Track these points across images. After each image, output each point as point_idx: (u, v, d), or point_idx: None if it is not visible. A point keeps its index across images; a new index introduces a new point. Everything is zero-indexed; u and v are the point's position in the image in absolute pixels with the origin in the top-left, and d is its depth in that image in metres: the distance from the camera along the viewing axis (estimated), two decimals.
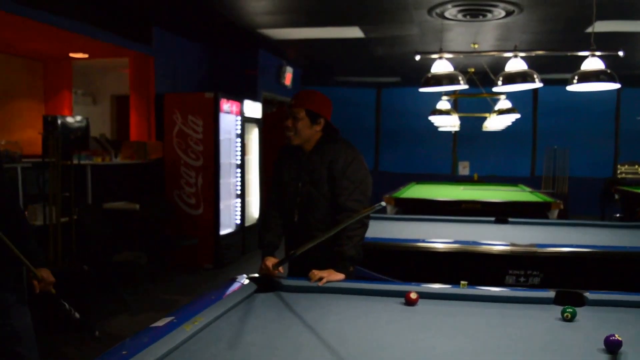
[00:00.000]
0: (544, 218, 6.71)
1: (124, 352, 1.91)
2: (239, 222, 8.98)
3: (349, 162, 3.32)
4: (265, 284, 3.00)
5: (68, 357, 4.47)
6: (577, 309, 2.56)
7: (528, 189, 9.68)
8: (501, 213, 6.07)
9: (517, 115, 9.64)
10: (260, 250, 3.41)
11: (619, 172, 13.07)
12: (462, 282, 2.93)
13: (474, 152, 13.96)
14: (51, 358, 4.68)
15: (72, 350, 4.75)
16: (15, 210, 3.03)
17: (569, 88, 5.40)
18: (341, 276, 3.09)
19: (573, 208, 12.05)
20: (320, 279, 3.02)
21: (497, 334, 2.34)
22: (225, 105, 8.36)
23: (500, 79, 5.58)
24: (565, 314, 2.52)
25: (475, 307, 2.74)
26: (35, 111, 8.56)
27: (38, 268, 2.93)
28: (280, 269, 3.19)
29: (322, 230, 3.21)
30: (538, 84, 5.46)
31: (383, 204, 2.69)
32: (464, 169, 13.99)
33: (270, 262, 3.20)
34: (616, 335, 2.11)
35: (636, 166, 12.84)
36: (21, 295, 3.00)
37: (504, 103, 9.58)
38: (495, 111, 9.76)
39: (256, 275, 3.10)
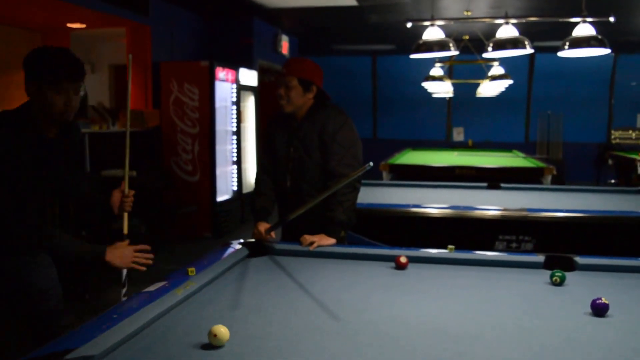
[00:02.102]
0: (537, 184, 6.75)
1: (114, 316, 1.97)
2: (235, 188, 9.06)
3: (339, 126, 3.34)
4: (258, 248, 3.05)
5: (68, 327, 4.54)
6: (567, 274, 2.59)
7: (522, 155, 9.73)
8: (495, 179, 6.09)
9: (510, 81, 9.65)
10: (253, 215, 3.46)
11: (613, 137, 13.09)
12: (450, 246, 2.98)
13: (468, 118, 13.95)
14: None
15: (72, 320, 4.83)
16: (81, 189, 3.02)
17: (560, 54, 5.43)
18: (332, 241, 3.14)
19: (568, 174, 12.12)
20: (312, 243, 3.07)
21: (484, 297, 2.39)
22: (221, 73, 8.39)
23: (491, 45, 5.60)
24: (554, 278, 2.53)
25: (464, 270, 2.79)
26: None
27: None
28: (273, 234, 3.25)
29: (314, 195, 3.26)
30: (529, 50, 5.48)
31: (371, 164, 2.71)
32: (458, 134, 14.01)
33: (263, 227, 3.25)
34: (603, 299, 2.15)
35: (630, 131, 12.86)
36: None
37: (497, 69, 9.60)
38: (488, 77, 9.77)
39: (250, 240, 3.15)
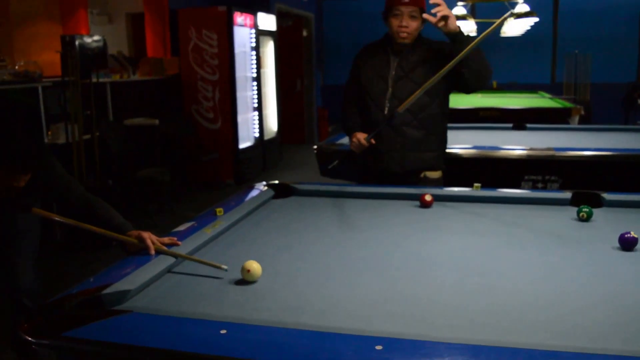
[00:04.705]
0: (565, 124, 6.64)
1: (152, 253, 2.05)
2: (257, 135, 9.05)
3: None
4: (282, 189, 3.07)
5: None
6: (594, 210, 2.56)
7: (548, 96, 9.57)
8: (519, 120, 6.00)
9: (536, 19, 9.34)
10: (348, 130, 3.38)
11: None
12: (476, 184, 2.96)
13: (493, 59, 13.61)
14: (83, 273, 4.85)
15: (102, 267, 4.93)
16: (74, 195, 2.47)
17: None
18: (454, 22, 3.10)
19: (596, 115, 11.93)
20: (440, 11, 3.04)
21: (511, 233, 2.39)
22: (239, 18, 8.30)
23: None
24: (581, 214, 2.52)
25: (490, 208, 2.78)
26: (54, 33, 8.53)
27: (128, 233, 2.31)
28: (372, 140, 3.19)
29: (414, 126, 3.22)
30: None
31: None
32: None
33: (362, 135, 3.20)
34: (632, 233, 2.14)
35: None
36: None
37: (521, 7, 9.29)
38: (513, 14, 9.51)
39: (274, 182, 3.15)
